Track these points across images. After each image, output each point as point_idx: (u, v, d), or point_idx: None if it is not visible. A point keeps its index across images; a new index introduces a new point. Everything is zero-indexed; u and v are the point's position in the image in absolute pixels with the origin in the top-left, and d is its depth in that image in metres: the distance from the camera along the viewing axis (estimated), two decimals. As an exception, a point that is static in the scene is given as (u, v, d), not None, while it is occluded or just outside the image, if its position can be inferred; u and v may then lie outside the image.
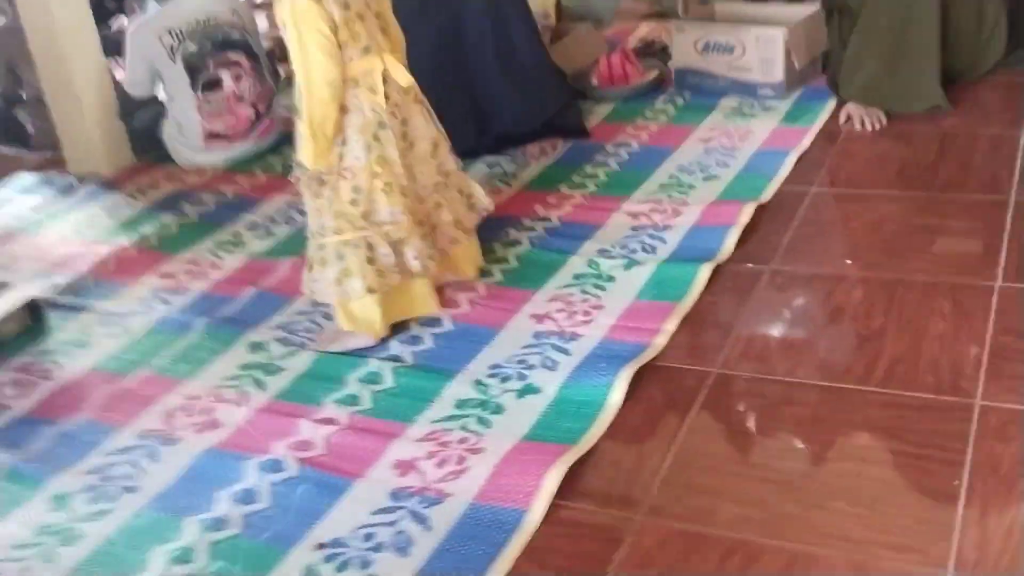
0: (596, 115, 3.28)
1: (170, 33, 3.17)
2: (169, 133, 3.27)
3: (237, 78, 3.23)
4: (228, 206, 2.96)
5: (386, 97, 2.07)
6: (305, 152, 2.03)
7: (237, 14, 3.29)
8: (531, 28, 3.23)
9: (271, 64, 3.47)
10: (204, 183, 3.15)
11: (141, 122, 3.33)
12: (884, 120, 2.91)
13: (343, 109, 2.04)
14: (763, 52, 3.15)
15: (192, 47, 3.18)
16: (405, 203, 2.10)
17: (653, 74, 3.43)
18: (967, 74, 3.07)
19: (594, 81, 3.44)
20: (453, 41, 3.05)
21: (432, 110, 2.22)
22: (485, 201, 2.32)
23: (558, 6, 4.18)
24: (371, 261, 2.07)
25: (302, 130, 2.03)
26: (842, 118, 2.97)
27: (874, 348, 1.93)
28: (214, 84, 3.20)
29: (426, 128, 2.17)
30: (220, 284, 2.51)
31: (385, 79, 2.07)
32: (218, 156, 3.24)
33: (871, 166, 2.70)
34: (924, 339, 1.93)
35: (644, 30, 3.98)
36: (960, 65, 3.01)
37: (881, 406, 1.78)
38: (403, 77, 2.09)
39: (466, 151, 3.02)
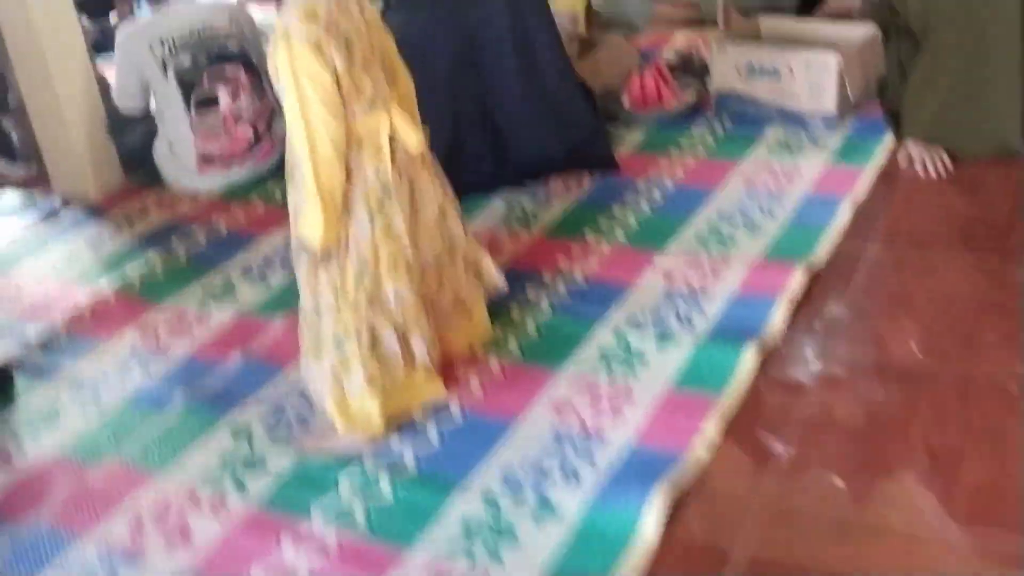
0: (627, 143, 3.00)
1: (162, 43, 2.90)
2: (161, 153, 3.01)
3: (234, 95, 2.95)
4: (220, 244, 2.70)
5: (392, 159, 1.79)
6: (312, 226, 1.75)
7: (236, 23, 3.02)
8: (557, 45, 2.94)
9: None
10: (197, 213, 2.89)
11: (132, 140, 3.07)
12: (949, 164, 2.61)
13: (345, 175, 1.77)
14: (813, 78, 2.84)
15: (186, 60, 2.90)
16: (412, 280, 1.84)
17: (690, 96, 3.13)
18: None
19: (625, 102, 3.15)
20: (471, 62, 2.77)
21: (441, 170, 1.95)
22: (496, 279, 2.04)
23: (588, 11, 3.88)
24: (374, 350, 1.81)
25: (305, 200, 1.76)
26: (902, 160, 2.67)
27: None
28: (209, 101, 2.94)
29: (434, 192, 1.89)
30: (205, 346, 2.26)
31: (391, 138, 1.80)
32: (213, 181, 2.98)
33: (936, 222, 2.41)
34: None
35: (681, 40, 3.69)
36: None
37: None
38: (413, 140, 1.81)
39: (483, 183, 2.79)
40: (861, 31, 2.94)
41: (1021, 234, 2.30)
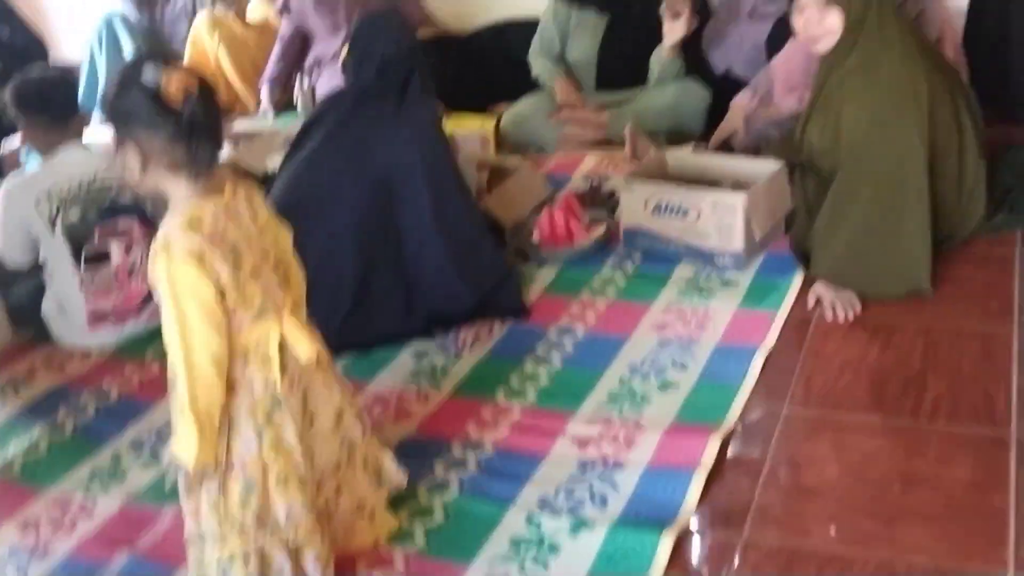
0: (538, 282, 2.94)
1: (49, 198, 2.76)
2: (49, 310, 2.86)
3: (128, 248, 2.82)
4: (110, 413, 2.54)
5: (282, 369, 1.69)
6: (185, 446, 1.63)
7: (129, 172, 2.89)
8: (464, 188, 2.90)
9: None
10: (87, 373, 2.73)
11: (19, 294, 2.91)
12: (858, 307, 2.60)
13: (229, 388, 1.66)
14: (720, 219, 2.83)
15: (74, 215, 2.77)
16: (305, 496, 1.72)
17: (600, 231, 3.10)
18: (945, 244, 2.77)
19: (536, 238, 3.10)
20: (380, 206, 2.71)
21: (337, 371, 1.85)
22: (396, 477, 1.94)
23: (497, 134, 3.87)
24: (263, 576, 1.69)
25: (180, 418, 1.64)
26: (810, 301, 2.65)
27: None
28: (101, 256, 2.80)
29: (329, 396, 1.79)
30: (88, 543, 2.10)
31: (282, 346, 1.69)
32: (105, 337, 2.83)
33: (848, 376, 2.37)
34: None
35: (590, 164, 3.67)
36: (939, 235, 2.71)
37: None
38: (304, 349, 1.70)
39: (392, 334, 2.70)
40: (768, 167, 2.94)
41: (934, 388, 2.28)
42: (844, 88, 2.68)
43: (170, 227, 1.62)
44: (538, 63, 3.96)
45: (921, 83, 2.59)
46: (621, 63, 3.82)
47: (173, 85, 1.56)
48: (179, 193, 1.65)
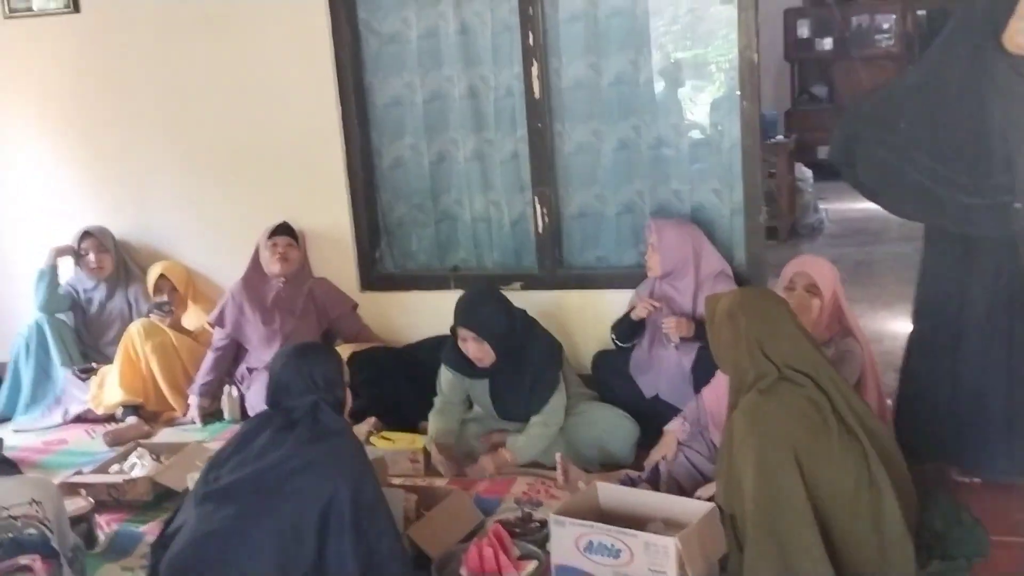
0: (464, 623, 2.79)
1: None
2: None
3: (28, 586, 2.64)
4: None
5: None
6: None
7: (38, 505, 2.76)
8: (391, 518, 2.85)
9: (79, 559, 2.89)
10: None
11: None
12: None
13: None
14: (653, 561, 2.75)
15: (-25, 547, 2.61)
16: None
17: (531, 567, 2.98)
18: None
19: (463, 572, 2.98)
20: (298, 549, 2.65)
21: None
22: None
23: (426, 453, 3.83)
24: None
25: None
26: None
27: None
28: (-3, 595, 2.61)
29: None
30: None
31: None
32: None
33: None
34: None
35: (522, 486, 3.62)
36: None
37: None
38: None
39: None
40: (700, 507, 2.91)
41: None
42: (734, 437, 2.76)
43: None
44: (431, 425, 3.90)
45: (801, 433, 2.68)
46: (515, 401, 3.82)
47: None
48: None
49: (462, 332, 3.70)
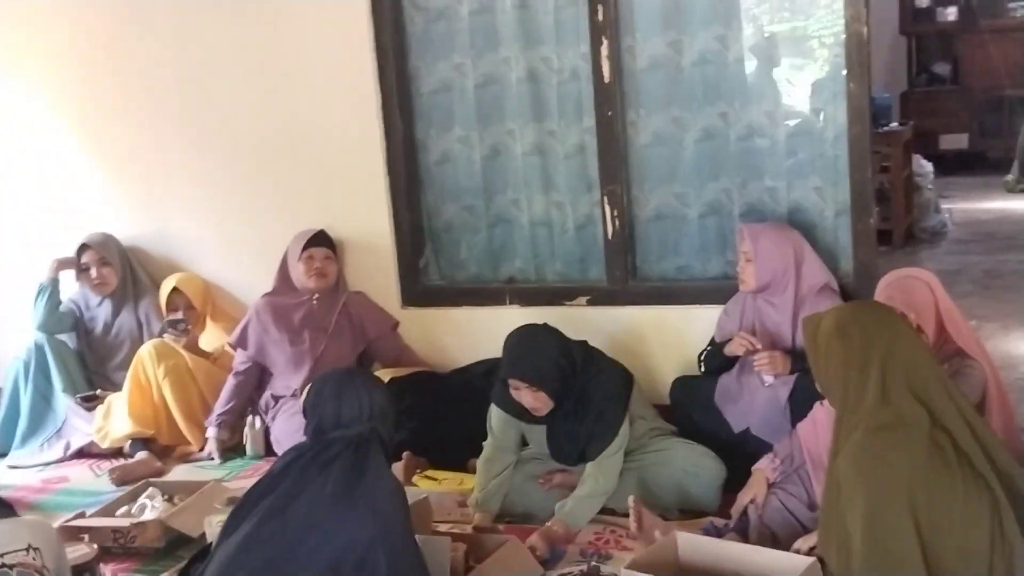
0: None
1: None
2: None
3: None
4: None
5: None
6: None
7: (35, 551, 2.81)
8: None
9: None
10: None
11: None
12: None
13: None
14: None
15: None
16: None
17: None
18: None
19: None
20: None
21: None
22: None
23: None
24: None
25: None
26: None
27: None
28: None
29: None
30: None
31: None
32: None
33: None
34: None
35: (588, 535, 3.60)
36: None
37: None
38: None
39: None
40: (798, 562, 2.87)
41: None
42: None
43: None
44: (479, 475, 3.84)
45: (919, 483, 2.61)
46: (576, 446, 3.78)
47: None
48: None
49: (513, 382, 3.69)
